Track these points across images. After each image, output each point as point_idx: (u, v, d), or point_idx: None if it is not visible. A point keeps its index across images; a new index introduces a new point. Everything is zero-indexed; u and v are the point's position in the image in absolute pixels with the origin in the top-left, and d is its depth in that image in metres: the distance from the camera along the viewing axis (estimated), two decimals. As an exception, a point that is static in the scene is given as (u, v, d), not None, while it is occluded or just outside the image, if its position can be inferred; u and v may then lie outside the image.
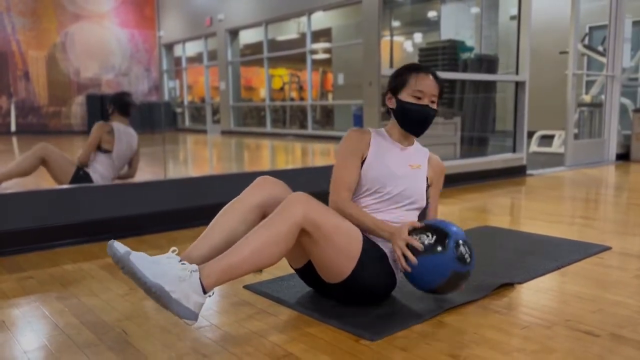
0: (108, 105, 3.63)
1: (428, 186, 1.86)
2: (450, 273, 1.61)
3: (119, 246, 1.39)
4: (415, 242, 1.60)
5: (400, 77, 1.79)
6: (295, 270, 1.86)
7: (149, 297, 1.40)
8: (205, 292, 1.41)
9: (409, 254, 1.60)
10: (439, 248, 1.60)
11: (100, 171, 3.47)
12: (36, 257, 2.47)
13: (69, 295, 1.93)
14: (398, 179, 1.77)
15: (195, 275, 1.40)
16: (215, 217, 1.67)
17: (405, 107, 1.76)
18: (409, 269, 1.62)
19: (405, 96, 1.76)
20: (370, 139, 1.83)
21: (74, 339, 1.56)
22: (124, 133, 3.56)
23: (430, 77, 1.77)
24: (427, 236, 1.62)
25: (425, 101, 1.75)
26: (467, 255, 1.64)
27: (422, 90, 1.74)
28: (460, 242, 1.63)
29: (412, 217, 1.82)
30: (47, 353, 1.48)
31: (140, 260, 1.37)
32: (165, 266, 1.39)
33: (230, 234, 1.61)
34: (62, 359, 1.44)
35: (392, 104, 1.81)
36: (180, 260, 1.44)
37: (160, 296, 1.36)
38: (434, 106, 1.78)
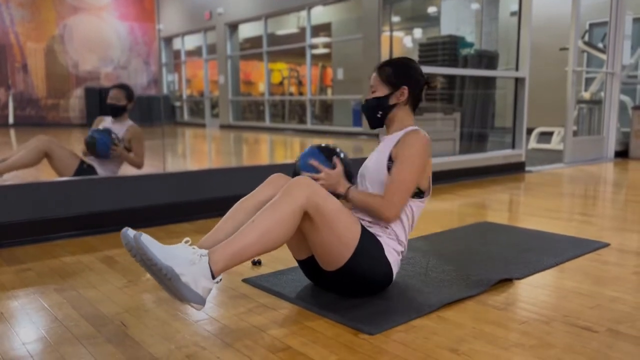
0: (126, 102, 3.49)
1: (392, 161, 1.78)
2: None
3: (130, 231, 1.40)
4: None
5: None
6: (298, 261, 1.87)
7: (157, 282, 1.41)
8: (214, 277, 1.43)
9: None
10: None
11: (110, 167, 3.47)
12: (35, 249, 2.47)
13: (68, 288, 1.93)
14: (365, 169, 1.87)
15: (204, 259, 1.43)
16: (228, 212, 1.70)
17: None
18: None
19: None
20: None
21: (73, 331, 1.56)
22: None
23: (375, 71, 1.89)
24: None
25: (369, 96, 1.88)
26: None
27: (370, 86, 1.89)
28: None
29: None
30: (46, 345, 1.48)
31: (152, 243, 1.39)
32: (176, 250, 1.41)
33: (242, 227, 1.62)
34: (61, 351, 1.44)
35: None
36: (193, 248, 1.46)
37: (170, 279, 1.37)
38: (374, 95, 1.85)
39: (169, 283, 1.38)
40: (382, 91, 1.84)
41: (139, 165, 3.55)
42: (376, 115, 1.85)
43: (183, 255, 1.41)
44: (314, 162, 1.82)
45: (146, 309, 1.73)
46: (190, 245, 1.48)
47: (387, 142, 1.84)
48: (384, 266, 1.73)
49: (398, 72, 1.83)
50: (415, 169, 1.73)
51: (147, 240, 1.38)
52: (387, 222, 1.75)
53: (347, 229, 1.63)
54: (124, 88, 3.54)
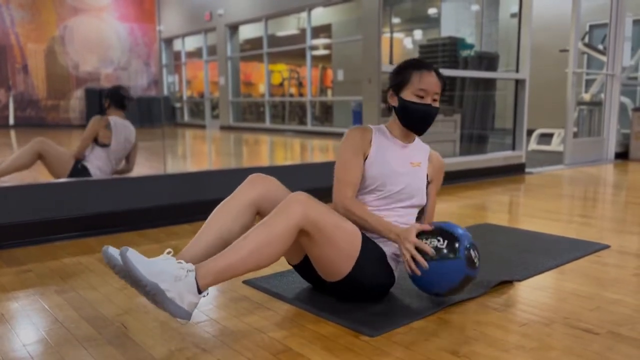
0: (104, 100, 3.62)
1: (428, 183, 1.85)
2: (461, 278, 1.64)
3: (113, 250, 1.38)
4: (426, 246, 1.60)
5: (403, 75, 1.76)
6: (292, 266, 1.86)
7: (143, 296, 1.40)
8: (200, 292, 1.40)
9: (420, 258, 1.59)
10: (451, 254, 1.60)
11: (98, 165, 3.47)
12: (35, 250, 2.47)
13: (68, 289, 1.93)
14: (399, 177, 1.76)
15: (191, 275, 1.39)
16: (209, 216, 1.67)
17: (408, 106, 1.74)
18: (419, 273, 1.61)
19: (409, 94, 1.74)
20: (371, 137, 1.80)
21: (73, 332, 1.56)
22: (121, 126, 3.56)
23: (433, 74, 1.74)
24: (438, 240, 1.61)
25: (428, 100, 1.73)
26: (476, 260, 1.66)
27: (425, 88, 1.72)
28: (469, 245, 1.64)
29: (412, 215, 1.81)
30: (47, 346, 1.48)
31: (137, 258, 1.36)
32: (162, 265, 1.38)
33: (224, 232, 1.61)
34: (62, 353, 1.44)
35: (394, 101, 1.78)
36: (177, 261, 1.43)
37: (155, 294, 1.35)
38: (436, 104, 1.76)
39: (154, 299, 1.36)
40: (438, 102, 1.78)
41: (129, 170, 3.64)
42: (430, 125, 1.80)
43: (168, 270, 1.37)
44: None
45: (146, 310, 1.73)
46: (173, 255, 1.46)
47: (418, 155, 1.84)
48: (386, 273, 1.72)
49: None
50: None
51: (133, 256, 1.35)
52: None
53: (347, 241, 1.60)
54: (108, 90, 3.70)
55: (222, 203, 1.69)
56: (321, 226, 1.53)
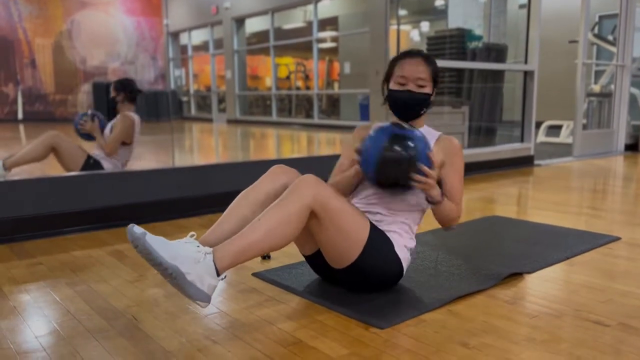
0: (117, 93, 3.53)
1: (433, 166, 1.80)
2: (386, 137, 1.59)
3: (137, 229, 1.40)
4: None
5: (389, 67, 1.84)
6: (305, 257, 1.86)
7: (164, 279, 1.42)
8: (218, 274, 1.43)
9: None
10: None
11: (114, 162, 3.48)
12: (46, 243, 2.49)
13: (79, 282, 1.95)
14: None
15: (209, 257, 1.42)
16: (230, 205, 1.68)
17: (390, 95, 1.81)
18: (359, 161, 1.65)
19: (392, 84, 1.80)
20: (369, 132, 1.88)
21: (85, 324, 1.58)
22: (138, 122, 3.56)
23: (417, 60, 1.77)
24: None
25: (409, 86, 1.76)
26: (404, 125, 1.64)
27: (405, 75, 1.76)
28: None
29: (416, 198, 1.78)
30: (59, 338, 1.49)
31: (157, 241, 1.39)
32: (181, 249, 1.41)
33: (244, 222, 1.62)
34: (74, 344, 1.45)
35: (385, 93, 1.86)
36: (197, 245, 1.46)
37: (175, 277, 1.37)
38: (423, 89, 1.76)
39: (175, 282, 1.39)
40: (429, 87, 1.78)
41: (103, 149, 3.45)
42: (420, 111, 1.80)
43: (188, 253, 1.40)
44: (433, 157, 1.62)
45: (157, 302, 1.74)
46: (195, 239, 1.48)
47: None
48: (394, 263, 1.72)
49: (438, 70, 1.81)
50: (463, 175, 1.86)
51: (152, 239, 1.38)
52: (453, 226, 1.82)
53: (355, 226, 1.62)
54: (115, 82, 3.57)
55: (243, 192, 1.70)
56: (330, 209, 1.57)
